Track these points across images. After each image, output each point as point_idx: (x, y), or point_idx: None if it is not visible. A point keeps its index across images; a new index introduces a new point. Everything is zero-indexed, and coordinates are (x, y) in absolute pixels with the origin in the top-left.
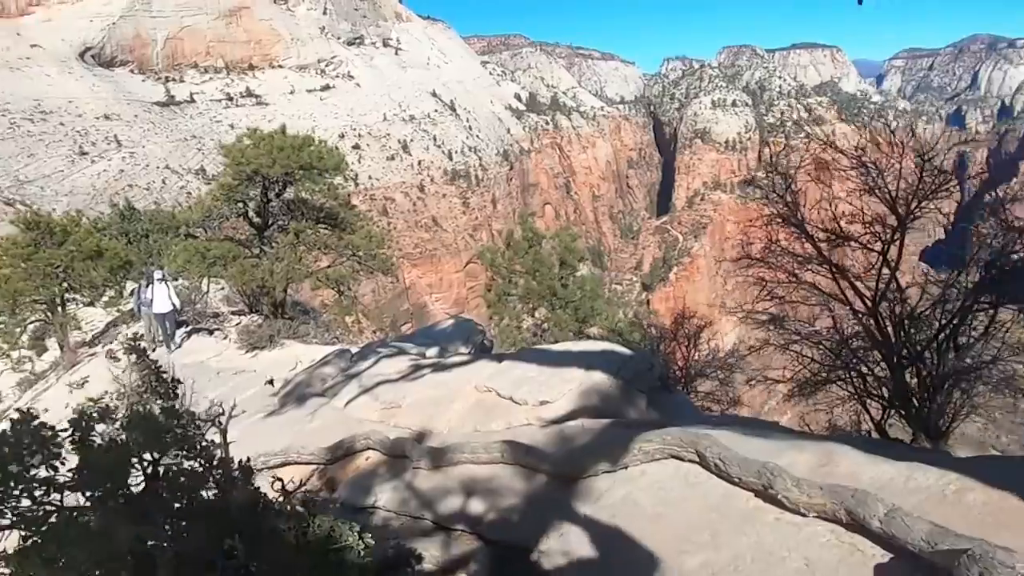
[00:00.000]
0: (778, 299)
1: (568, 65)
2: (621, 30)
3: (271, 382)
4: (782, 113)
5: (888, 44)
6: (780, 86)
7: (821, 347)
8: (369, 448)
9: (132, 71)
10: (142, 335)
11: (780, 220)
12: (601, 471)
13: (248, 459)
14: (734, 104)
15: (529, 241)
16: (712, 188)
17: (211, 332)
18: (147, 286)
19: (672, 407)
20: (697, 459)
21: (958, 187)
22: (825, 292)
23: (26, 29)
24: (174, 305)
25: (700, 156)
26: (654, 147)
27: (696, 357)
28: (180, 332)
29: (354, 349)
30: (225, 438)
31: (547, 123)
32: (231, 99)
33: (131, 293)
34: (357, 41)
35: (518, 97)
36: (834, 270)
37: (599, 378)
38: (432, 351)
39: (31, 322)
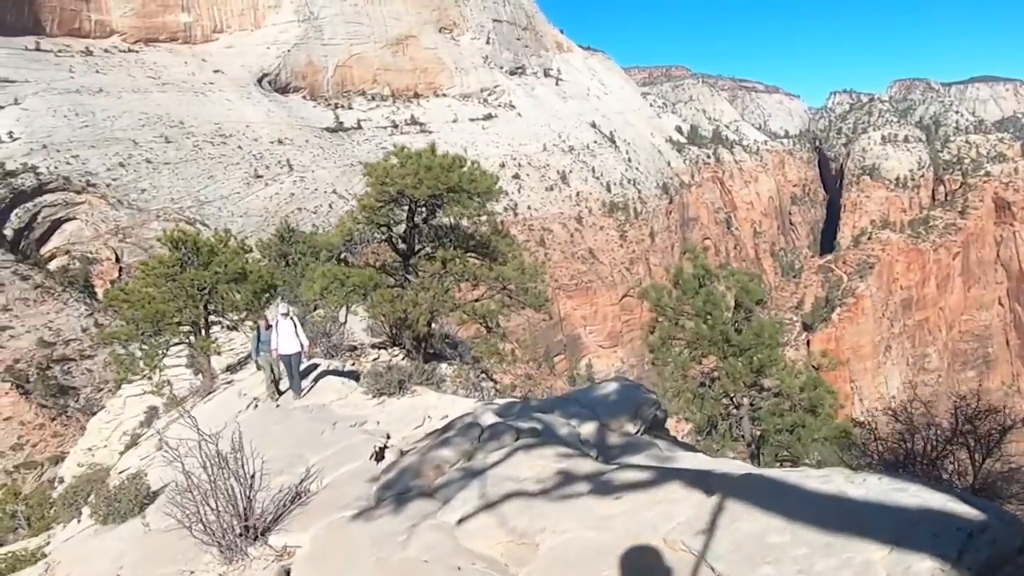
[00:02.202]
0: None
1: (731, 98)
2: (786, 62)
3: (381, 454)
4: (959, 149)
5: None
6: (957, 121)
7: None
8: None
9: (304, 97)
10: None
11: None
12: None
13: None
14: (906, 140)
15: (700, 280)
16: (880, 227)
17: (343, 370)
18: (267, 327)
19: None
20: None
21: None
22: None
23: (210, 55)
24: (302, 344)
25: (868, 193)
26: (819, 183)
27: (992, 468)
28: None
29: (486, 418)
30: None
31: (708, 156)
32: (396, 126)
33: (255, 332)
34: (519, 71)
35: (679, 129)
36: None
37: (925, 570)
38: (588, 427)
39: (174, 344)
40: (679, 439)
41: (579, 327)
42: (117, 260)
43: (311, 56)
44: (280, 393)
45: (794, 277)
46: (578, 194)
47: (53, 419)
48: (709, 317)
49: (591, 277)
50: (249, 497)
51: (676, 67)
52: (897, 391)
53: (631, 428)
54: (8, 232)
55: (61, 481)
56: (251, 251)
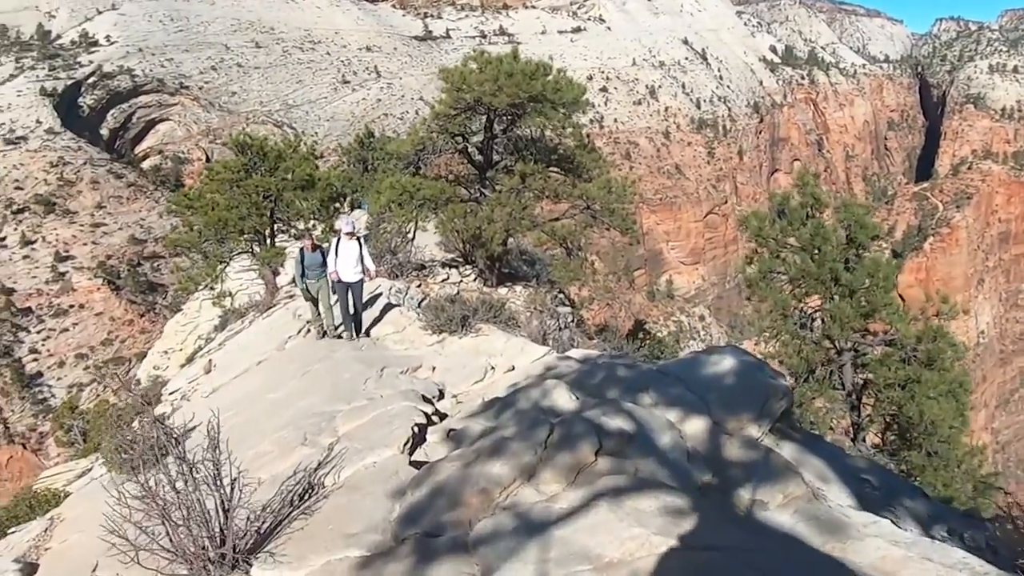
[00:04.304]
0: None
1: (829, 20)
2: None
3: (421, 436)
4: None
5: None
6: None
7: None
8: None
9: (394, 6)
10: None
11: None
12: None
13: None
14: (1015, 70)
15: (809, 209)
16: (982, 157)
17: (405, 295)
18: (313, 248)
19: None
20: None
21: None
22: None
23: None
24: (367, 270)
25: (971, 122)
26: (918, 110)
27: None
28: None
29: (558, 396)
30: None
31: (802, 78)
32: (484, 36)
33: (299, 255)
34: None
35: (773, 49)
36: None
37: None
38: (695, 426)
39: (237, 253)
40: (809, 431)
41: (661, 242)
42: (208, 160)
43: None
44: (325, 333)
45: (886, 203)
46: (666, 109)
47: (142, 315)
48: (817, 252)
49: (676, 193)
50: (227, 512)
51: None
52: (987, 327)
53: (754, 431)
54: (104, 132)
55: (139, 383)
56: (321, 157)
